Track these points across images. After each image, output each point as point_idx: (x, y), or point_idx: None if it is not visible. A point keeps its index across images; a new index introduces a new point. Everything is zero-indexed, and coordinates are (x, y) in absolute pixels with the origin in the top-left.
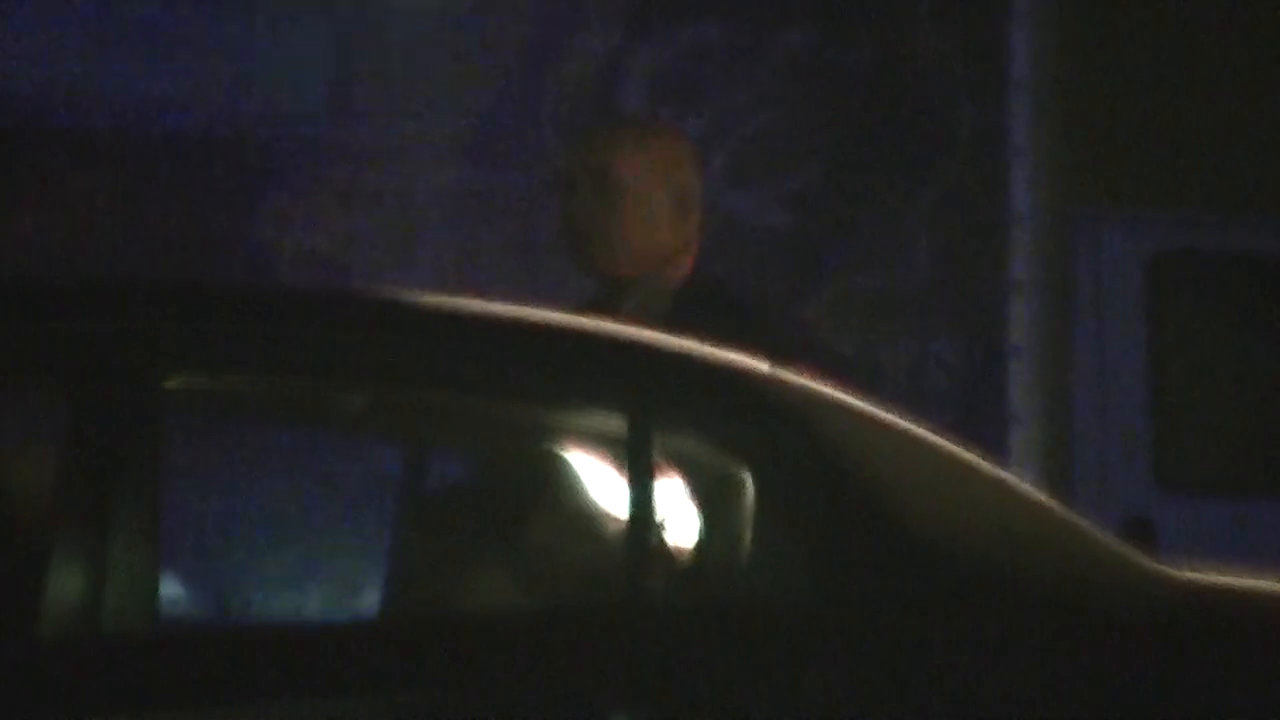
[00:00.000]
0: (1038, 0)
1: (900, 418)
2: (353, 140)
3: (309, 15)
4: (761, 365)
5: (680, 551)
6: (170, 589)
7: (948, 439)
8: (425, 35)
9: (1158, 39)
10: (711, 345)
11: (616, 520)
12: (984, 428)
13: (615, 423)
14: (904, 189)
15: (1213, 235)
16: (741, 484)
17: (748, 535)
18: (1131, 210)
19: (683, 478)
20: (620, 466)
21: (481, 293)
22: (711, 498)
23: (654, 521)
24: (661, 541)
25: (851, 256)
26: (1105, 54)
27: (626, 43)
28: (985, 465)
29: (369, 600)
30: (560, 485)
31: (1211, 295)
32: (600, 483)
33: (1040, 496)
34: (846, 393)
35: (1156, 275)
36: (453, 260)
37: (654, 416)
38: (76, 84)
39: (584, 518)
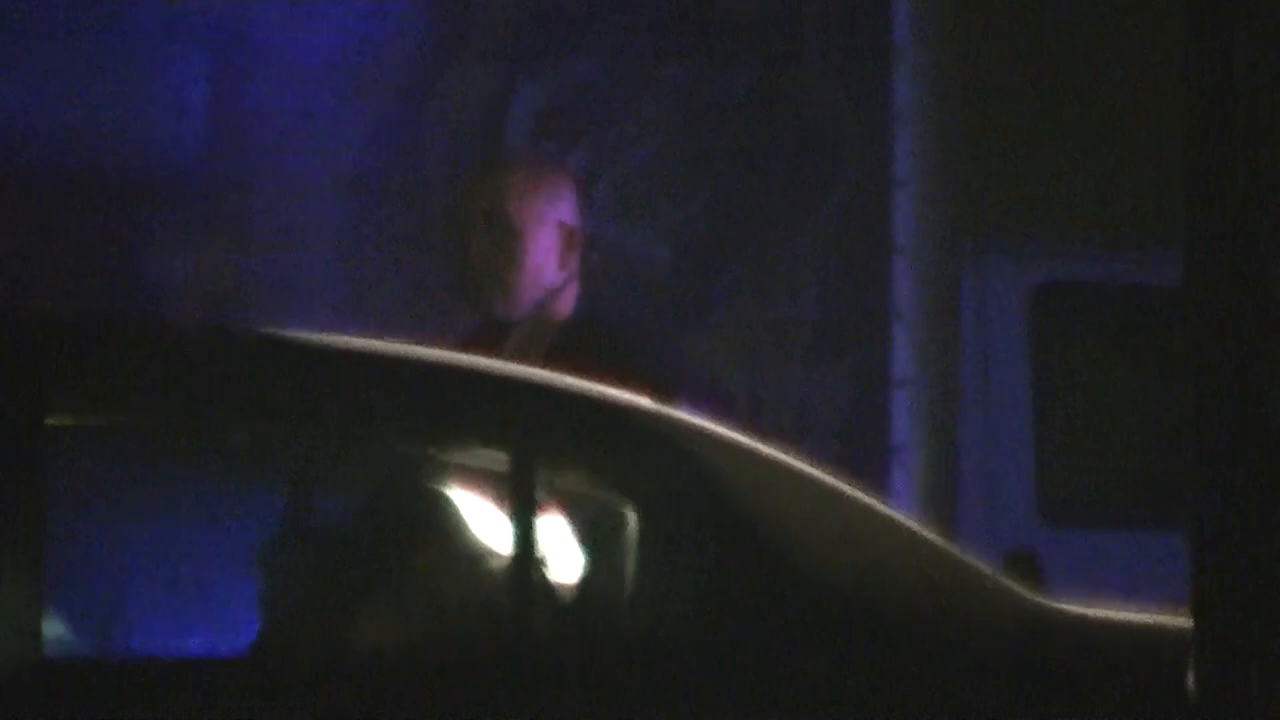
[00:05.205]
0: (921, 33)
1: (781, 452)
2: (236, 174)
3: (190, 47)
4: (644, 401)
5: (564, 587)
6: (52, 625)
7: (828, 473)
8: (308, 68)
9: (1041, 74)
10: (594, 381)
11: (499, 556)
12: (867, 459)
13: (498, 459)
14: (787, 221)
15: (1095, 267)
16: (624, 519)
17: (631, 570)
18: (1015, 242)
19: (566, 513)
20: (503, 502)
21: (366, 328)
22: (595, 533)
23: (537, 557)
24: (544, 577)
25: (735, 288)
26: (988, 87)
27: (509, 77)
28: (865, 499)
29: (250, 636)
30: (443, 521)
31: (1095, 327)
32: (483, 519)
33: (920, 529)
34: (728, 427)
35: (1040, 307)
36: (337, 295)
37: (537, 452)
38: None
39: (466, 553)
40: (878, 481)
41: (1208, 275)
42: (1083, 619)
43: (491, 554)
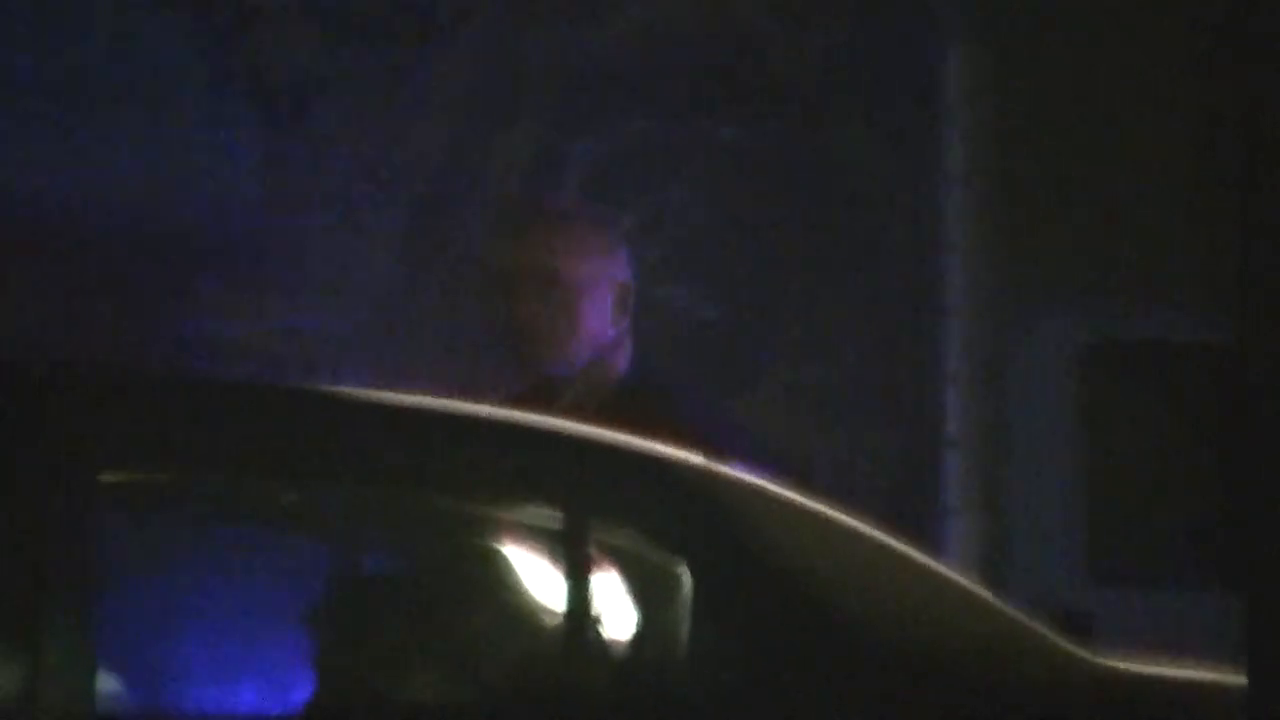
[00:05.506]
0: (971, 93)
1: (834, 509)
2: (287, 234)
3: (243, 108)
4: (697, 458)
5: (616, 645)
6: (103, 684)
7: (881, 530)
8: (359, 127)
9: (1090, 133)
10: (647, 438)
11: (552, 613)
12: (919, 520)
13: (551, 515)
14: (837, 281)
15: (1146, 326)
16: (677, 577)
17: (683, 628)
18: (1065, 300)
19: (618, 571)
20: (556, 559)
21: (415, 385)
22: (647, 591)
23: (590, 616)
24: (597, 636)
25: (785, 350)
26: (1038, 147)
27: (559, 137)
28: (918, 555)
29: (301, 696)
30: (495, 579)
31: (1146, 385)
32: (535, 576)
33: (974, 586)
34: (780, 485)
35: (1091, 365)
36: (387, 351)
37: (590, 510)
38: (9, 179)
39: (518, 611)
40: (930, 542)
41: (1258, 315)
42: (1138, 676)
43: (544, 611)
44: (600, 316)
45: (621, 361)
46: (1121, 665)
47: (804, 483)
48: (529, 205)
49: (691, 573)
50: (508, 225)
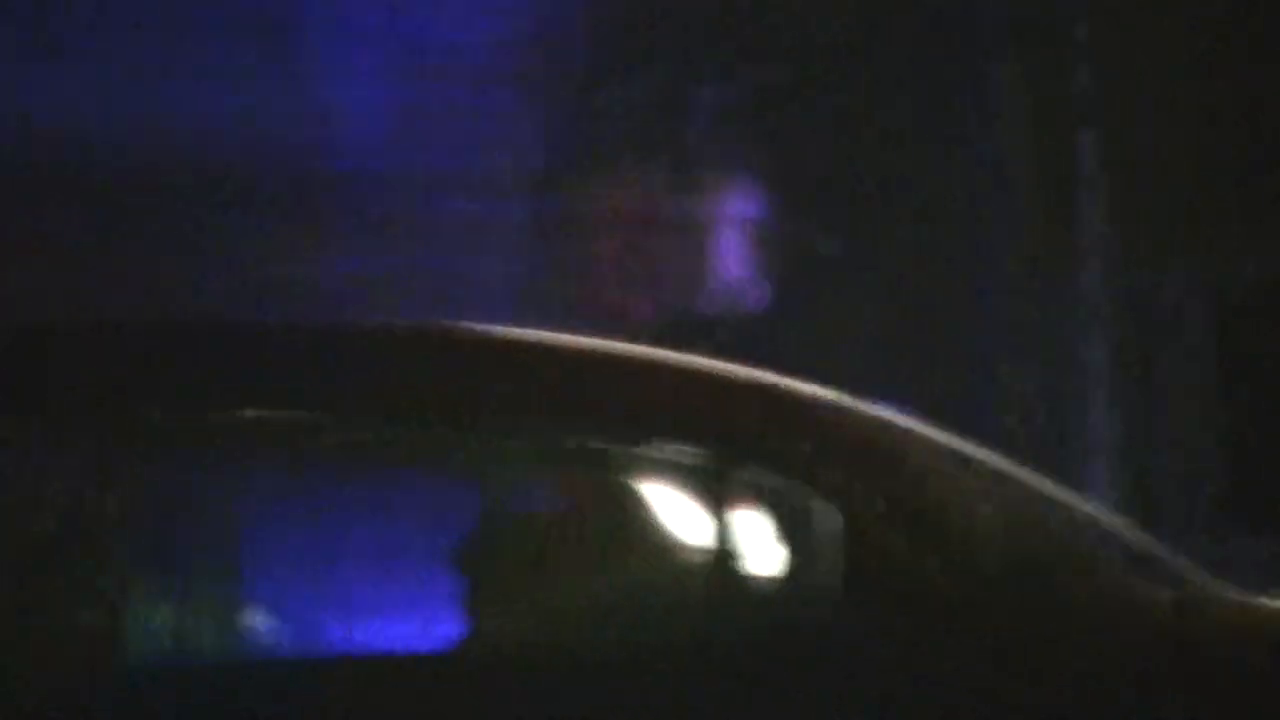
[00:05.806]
0: (1105, 37)
1: (978, 448)
2: (402, 174)
3: (352, 47)
4: (836, 394)
5: (763, 584)
6: (250, 622)
7: (1027, 469)
8: (440, 70)
9: (1231, 81)
10: (780, 375)
11: (697, 554)
12: (1061, 459)
13: (691, 453)
14: (976, 228)
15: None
16: (818, 513)
17: (827, 568)
18: (1204, 243)
19: (758, 507)
20: (697, 497)
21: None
22: (791, 530)
23: (733, 555)
24: (743, 576)
25: (933, 294)
26: (1179, 96)
27: (686, 77)
28: (1065, 494)
29: (445, 634)
30: (640, 519)
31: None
32: (681, 516)
33: (1121, 526)
34: (922, 423)
35: (1228, 306)
36: (511, 292)
37: (729, 446)
38: (116, 118)
39: (664, 551)
40: (1073, 481)
41: None
42: None
43: (689, 550)
44: (731, 256)
45: (754, 299)
46: (1268, 602)
47: (943, 423)
48: (655, 146)
49: (836, 511)
50: (631, 170)
